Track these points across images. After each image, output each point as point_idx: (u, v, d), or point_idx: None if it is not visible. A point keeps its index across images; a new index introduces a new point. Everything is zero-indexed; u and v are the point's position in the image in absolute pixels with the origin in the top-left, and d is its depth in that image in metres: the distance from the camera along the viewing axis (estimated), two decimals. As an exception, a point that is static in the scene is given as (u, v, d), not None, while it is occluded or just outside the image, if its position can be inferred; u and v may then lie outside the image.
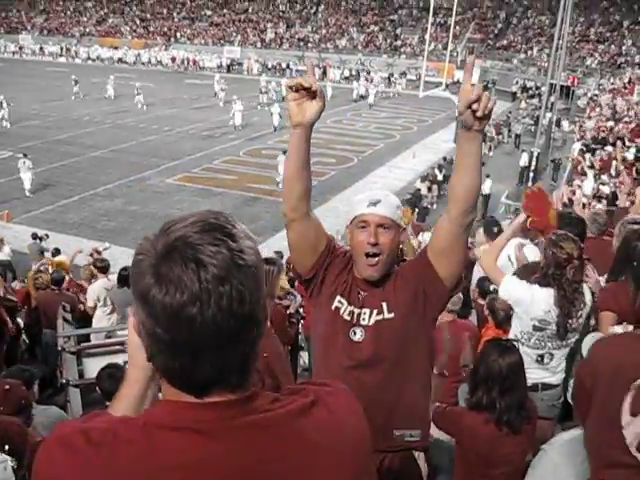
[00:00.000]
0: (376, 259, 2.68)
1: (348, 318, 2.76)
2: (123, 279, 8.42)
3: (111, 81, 40.68)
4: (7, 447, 2.91)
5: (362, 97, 42.50)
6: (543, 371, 4.24)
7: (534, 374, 4.15)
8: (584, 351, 3.69)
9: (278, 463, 1.18)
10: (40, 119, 33.86)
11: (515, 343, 3.76)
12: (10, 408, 3.67)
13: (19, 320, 8.93)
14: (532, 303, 4.08)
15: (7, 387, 3.84)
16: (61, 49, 65.27)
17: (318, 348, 3.02)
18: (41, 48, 66.32)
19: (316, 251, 2.86)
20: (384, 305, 2.73)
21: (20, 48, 67.69)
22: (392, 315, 2.72)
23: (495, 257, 4.47)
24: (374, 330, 2.72)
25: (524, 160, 24.87)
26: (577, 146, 24.80)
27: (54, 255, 14.20)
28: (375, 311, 2.74)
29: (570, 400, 3.66)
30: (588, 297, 4.10)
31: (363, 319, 2.75)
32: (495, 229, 7.80)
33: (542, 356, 4.21)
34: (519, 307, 4.19)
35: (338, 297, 2.81)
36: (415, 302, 2.73)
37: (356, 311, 2.77)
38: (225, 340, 1.13)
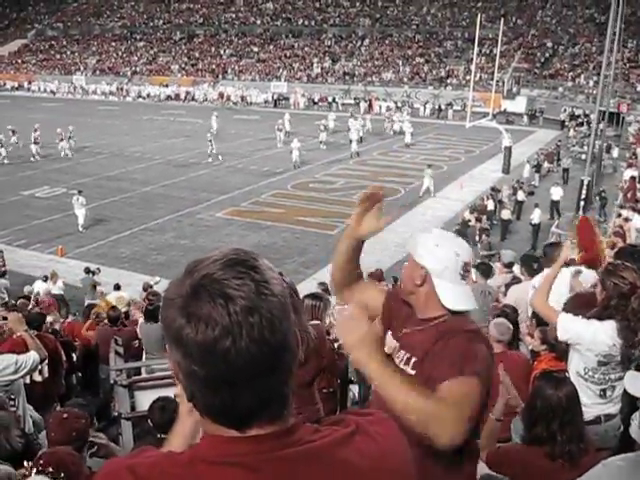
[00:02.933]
0: None
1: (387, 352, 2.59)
2: (149, 314, 8.47)
3: (214, 117, 41.98)
4: (62, 474, 2.95)
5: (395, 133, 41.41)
6: (605, 404, 4.14)
7: (596, 408, 4.06)
8: (628, 389, 3.60)
9: None
10: (93, 156, 34.67)
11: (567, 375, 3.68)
12: (63, 437, 3.72)
13: (73, 355, 9.07)
14: (595, 339, 3.98)
15: (65, 416, 3.91)
16: (116, 88, 67.06)
17: None
18: (95, 89, 68.23)
19: (378, 315, 2.79)
20: (412, 357, 2.55)
21: (74, 88, 69.77)
22: (414, 372, 2.52)
23: (546, 295, 4.38)
24: None
25: (557, 194, 24.25)
26: (629, 173, 24.37)
27: (115, 289, 14.38)
28: (406, 356, 2.58)
29: (632, 434, 3.54)
30: None
31: (398, 356, 2.60)
32: (535, 265, 7.70)
33: (604, 390, 4.12)
34: (581, 345, 4.08)
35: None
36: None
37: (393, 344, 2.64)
38: (260, 370, 1.15)
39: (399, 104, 52.41)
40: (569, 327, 4.10)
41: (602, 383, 4.09)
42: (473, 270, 10.25)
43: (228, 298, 1.12)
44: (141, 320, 9.13)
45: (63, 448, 3.42)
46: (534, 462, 3.38)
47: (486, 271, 9.29)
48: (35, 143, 33.34)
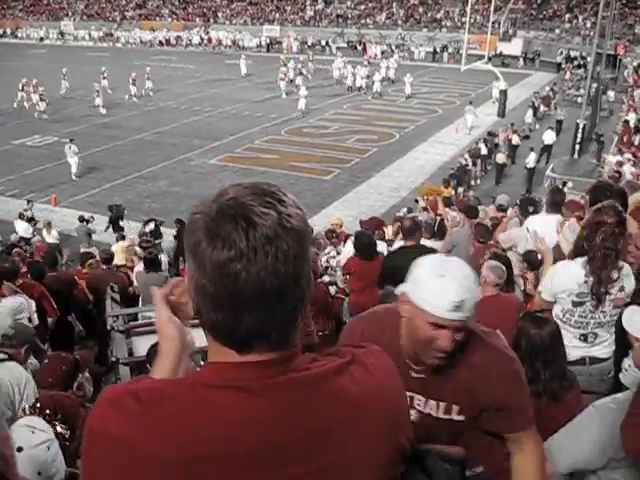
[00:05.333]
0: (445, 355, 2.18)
1: None
2: (150, 263, 8.49)
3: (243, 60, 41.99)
4: (59, 416, 3.01)
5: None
6: (588, 347, 4.18)
7: (579, 350, 4.10)
8: (624, 323, 3.64)
9: (318, 418, 1.24)
10: (84, 104, 34.25)
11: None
12: (47, 378, 3.81)
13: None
14: (569, 277, 4.01)
15: (46, 361, 3.98)
16: (104, 34, 65.99)
17: None
18: (87, 34, 67.09)
19: None
20: (453, 405, 2.32)
21: (62, 34, 68.58)
22: (462, 417, 2.34)
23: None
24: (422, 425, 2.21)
25: (550, 138, 23.91)
26: (632, 117, 24.22)
27: (118, 240, 14.40)
28: (442, 405, 2.33)
29: (622, 379, 3.59)
30: (626, 271, 4.01)
31: (417, 404, 2.34)
32: (531, 208, 7.71)
33: (585, 336, 4.15)
34: (563, 291, 4.11)
35: None
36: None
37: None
38: (268, 298, 1.17)
39: (393, 47, 51.72)
40: (550, 282, 4.17)
41: (581, 327, 4.11)
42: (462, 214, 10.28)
43: (250, 223, 1.15)
44: (138, 268, 9.14)
45: (59, 392, 3.49)
46: None
47: (473, 213, 9.31)
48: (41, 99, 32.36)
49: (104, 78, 36.20)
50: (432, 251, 7.21)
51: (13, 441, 2.16)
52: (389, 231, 12.02)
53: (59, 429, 2.97)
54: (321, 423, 1.24)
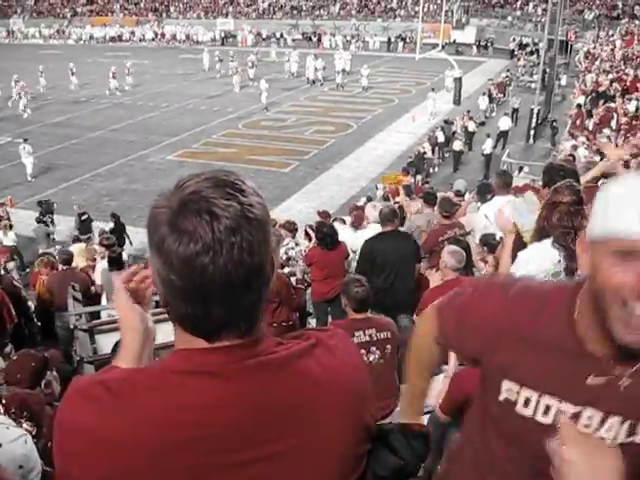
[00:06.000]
0: None
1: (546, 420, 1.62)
2: (114, 261, 8.42)
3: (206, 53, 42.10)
4: (25, 414, 3.00)
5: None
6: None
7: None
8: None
9: (285, 399, 1.27)
10: (36, 102, 33.69)
11: None
12: (14, 376, 3.79)
13: (30, 304, 8.96)
14: (544, 258, 4.10)
15: (15, 357, 3.97)
16: (56, 31, 64.86)
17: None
18: (37, 32, 65.86)
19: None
20: None
21: (12, 32, 67.20)
22: None
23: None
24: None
25: (505, 124, 24.18)
26: (582, 99, 24.62)
27: (74, 241, 14.30)
28: (628, 423, 1.56)
29: None
30: None
31: (587, 423, 1.57)
32: (488, 196, 7.87)
33: None
34: (540, 272, 4.19)
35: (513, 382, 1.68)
36: None
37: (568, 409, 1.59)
38: (235, 288, 1.19)
39: (348, 38, 51.84)
40: (522, 263, 4.25)
41: None
42: (420, 200, 10.43)
43: (214, 216, 1.16)
44: (102, 266, 9.05)
45: (25, 391, 3.48)
46: None
47: (430, 199, 9.43)
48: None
49: (73, 74, 35.95)
50: (410, 236, 7.40)
51: None
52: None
53: (25, 426, 2.96)
54: (289, 403, 1.27)
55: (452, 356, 4.16)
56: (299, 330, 1.50)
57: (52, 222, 16.63)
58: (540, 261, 4.13)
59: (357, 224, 10.17)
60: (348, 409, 1.35)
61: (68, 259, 9.39)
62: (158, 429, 1.19)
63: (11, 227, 15.48)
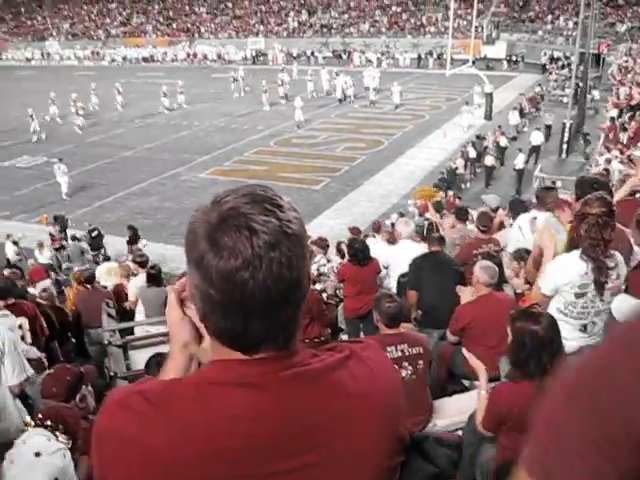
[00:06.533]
0: None
1: None
2: (153, 278, 8.48)
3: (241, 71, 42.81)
4: (60, 427, 3.03)
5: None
6: (585, 338, 4.22)
7: (577, 342, 4.14)
8: (614, 311, 3.69)
9: (320, 411, 1.27)
10: (71, 123, 34.27)
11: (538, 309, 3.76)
12: (49, 390, 3.83)
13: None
14: (571, 270, 4.06)
15: (52, 371, 4.02)
16: (90, 53, 66.11)
17: None
18: (72, 54, 67.18)
19: None
20: None
21: (47, 54, 68.57)
22: None
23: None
24: None
25: (537, 139, 23.98)
26: (615, 113, 24.33)
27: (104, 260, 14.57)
28: None
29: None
30: (619, 259, 4.07)
31: None
32: (521, 209, 7.83)
33: (585, 325, 4.20)
34: (566, 284, 4.15)
35: None
36: None
37: None
38: (274, 303, 1.21)
39: (378, 55, 52.00)
40: (550, 276, 4.21)
41: (582, 318, 4.16)
42: (451, 215, 10.38)
43: (253, 231, 1.17)
44: (139, 283, 9.11)
45: (60, 404, 3.52)
46: (531, 397, 3.45)
47: (462, 215, 9.39)
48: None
49: (119, 94, 37.05)
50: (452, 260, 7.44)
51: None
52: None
53: (61, 439, 2.99)
54: (324, 415, 1.27)
55: (482, 371, 4.11)
56: (333, 343, 1.50)
57: (65, 238, 17.08)
58: (566, 273, 4.09)
59: (391, 240, 10.15)
60: (382, 421, 1.35)
61: (90, 277, 9.49)
62: (194, 439, 1.20)
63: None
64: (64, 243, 16.43)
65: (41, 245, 15.83)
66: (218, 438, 1.20)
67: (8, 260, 15.07)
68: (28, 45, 72.09)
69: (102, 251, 16.10)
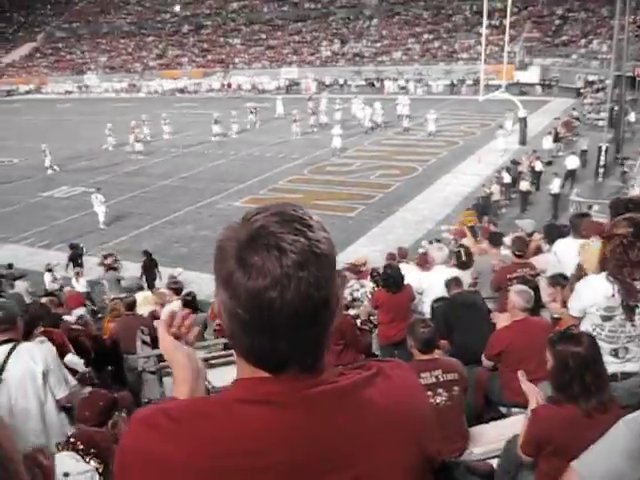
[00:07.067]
0: None
1: None
2: (188, 304, 8.54)
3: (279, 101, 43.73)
4: (92, 451, 3.05)
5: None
6: (617, 364, 4.13)
7: (611, 366, 4.06)
8: None
9: (347, 429, 1.26)
10: (109, 154, 34.97)
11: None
12: (84, 413, 3.86)
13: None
14: (595, 291, 3.98)
15: (87, 395, 4.07)
16: (127, 85, 67.58)
17: None
18: (110, 87, 68.71)
19: None
20: None
21: (86, 87, 70.16)
22: None
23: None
24: None
25: (573, 163, 23.73)
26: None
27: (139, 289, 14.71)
28: None
29: None
30: None
31: None
32: (556, 235, 7.75)
33: (617, 350, 4.10)
34: (591, 306, 4.08)
35: None
36: None
37: None
38: (301, 322, 1.20)
39: (410, 83, 52.28)
40: (577, 298, 4.14)
41: (612, 342, 4.06)
42: (486, 241, 10.30)
43: (282, 251, 1.17)
44: (177, 305, 9.20)
45: (92, 428, 3.55)
46: (574, 421, 3.39)
47: (496, 240, 9.30)
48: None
49: (165, 124, 37.85)
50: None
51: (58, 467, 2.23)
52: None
53: (92, 464, 3.00)
54: (351, 433, 1.26)
55: (533, 394, 3.98)
56: (362, 361, 1.49)
57: (81, 264, 17.62)
58: (591, 294, 4.02)
59: (421, 264, 10.08)
60: (411, 439, 1.33)
61: (131, 305, 9.58)
62: (218, 456, 1.19)
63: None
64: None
65: (77, 274, 16.04)
66: (242, 456, 1.20)
67: (46, 290, 15.29)
68: (67, 78, 73.80)
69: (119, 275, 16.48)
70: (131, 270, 17.24)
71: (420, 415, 1.39)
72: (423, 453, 1.37)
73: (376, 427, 1.28)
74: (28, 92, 74.38)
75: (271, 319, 1.18)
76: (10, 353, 4.51)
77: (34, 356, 4.57)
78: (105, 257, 16.39)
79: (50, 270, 16.29)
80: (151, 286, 15.87)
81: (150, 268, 16.75)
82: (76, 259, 17.69)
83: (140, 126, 35.30)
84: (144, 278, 16.27)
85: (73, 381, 4.91)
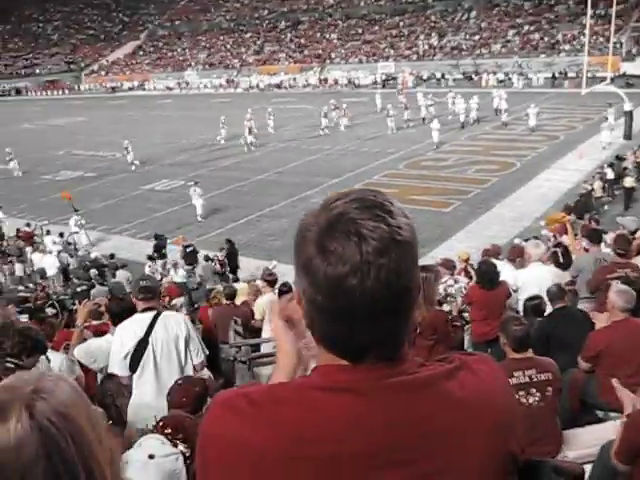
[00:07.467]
0: None
1: None
2: (283, 294, 8.63)
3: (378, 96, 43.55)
4: (180, 435, 3.11)
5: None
6: None
7: None
8: None
9: (427, 420, 1.23)
10: (207, 148, 35.83)
11: None
12: (177, 400, 3.96)
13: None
14: None
15: (180, 382, 4.18)
16: (225, 81, 69.08)
17: None
18: (209, 82, 70.44)
19: None
20: None
21: (186, 83, 72.11)
22: None
23: None
24: None
25: None
26: None
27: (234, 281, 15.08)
28: None
29: None
30: None
31: None
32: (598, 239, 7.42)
33: None
34: None
35: None
36: None
37: None
38: (381, 310, 1.18)
39: (510, 76, 51.15)
40: None
41: None
42: (584, 239, 9.93)
43: (362, 237, 1.16)
44: (262, 301, 9.36)
45: (181, 412, 3.63)
46: None
47: (595, 237, 8.94)
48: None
49: (270, 118, 38.36)
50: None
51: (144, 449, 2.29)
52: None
53: (180, 448, 3.07)
54: (431, 425, 1.23)
55: (629, 400, 3.81)
56: (445, 354, 1.45)
57: (164, 256, 18.44)
58: None
59: (512, 259, 9.82)
60: (492, 434, 1.29)
61: (232, 294, 9.79)
62: (296, 443, 1.19)
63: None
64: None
65: (175, 265, 16.52)
66: (319, 443, 1.19)
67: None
68: (168, 75, 76.08)
69: (195, 265, 16.88)
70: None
71: (504, 411, 1.34)
72: (506, 450, 1.33)
73: (457, 422, 1.25)
74: (131, 89, 77.25)
75: (350, 306, 1.17)
76: (155, 319, 5.06)
77: (179, 322, 5.16)
78: (185, 247, 17.26)
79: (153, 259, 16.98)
80: (234, 272, 16.35)
81: (234, 255, 17.21)
82: (160, 249, 18.33)
83: (251, 119, 35.93)
84: (227, 266, 16.96)
85: (206, 351, 5.40)
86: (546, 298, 7.12)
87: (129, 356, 5.00)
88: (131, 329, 5.08)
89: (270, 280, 9.90)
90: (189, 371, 5.11)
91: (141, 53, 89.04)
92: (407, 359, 1.28)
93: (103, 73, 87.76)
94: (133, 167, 32.41)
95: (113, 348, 5.12)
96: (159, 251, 18.44)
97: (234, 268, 17.07)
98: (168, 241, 19.25)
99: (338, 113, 39.29)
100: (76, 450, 1.20)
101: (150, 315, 5.08)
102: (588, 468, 3.89)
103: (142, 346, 5.00)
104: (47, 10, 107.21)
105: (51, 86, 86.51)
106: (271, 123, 39.03)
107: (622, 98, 30.33)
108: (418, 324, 5.49)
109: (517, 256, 9.59)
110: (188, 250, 17.65)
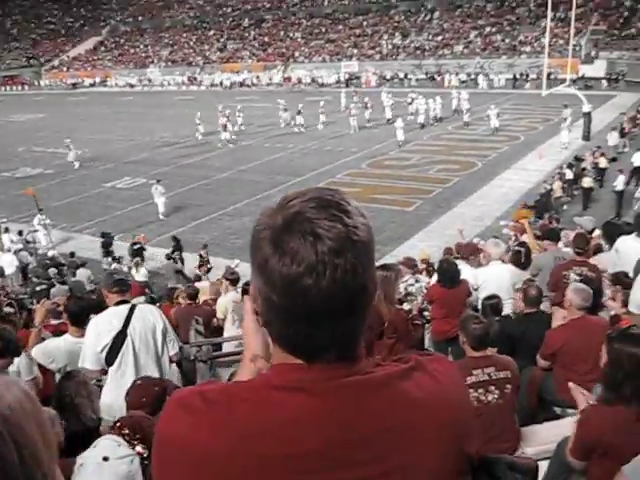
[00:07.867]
0: None
1: None
2: (247, 293, 8.60)
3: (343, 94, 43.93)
4: (138, 436, 3.08)
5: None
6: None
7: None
8: None
9: (381, 420, 1.23)
10: (170, 146, 35.53)
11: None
12: (135, 401, 3.93)
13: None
14: None
15: (138, 382, 4.15)
16: (188, 78, 68.66)
17: None
18: (172, 80, 69.94)
19: None
20: None
21: (148, 80, 71.54)
22: None
23: None
24: None
25: (638, 159, 22.61)
26: None
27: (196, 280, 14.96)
28: None
29: None
30: None
31: None
32: (616, 235, 7.47)
33: None
34: None
35: None
36: None
37: None
38: (337, 310, 1.17)
39: (472, 76, 51.70)
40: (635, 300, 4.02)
41: None
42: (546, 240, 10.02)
43: (317, 237, 1.15)
44: (225, 300, 9.29)
45: (139, 412, 3.59)
46: (625, 423, 3.29)
47: (554, 236, 9.04)
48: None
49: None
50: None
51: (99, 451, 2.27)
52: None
53: (138, 449, 3.03)
54: (384, 426, 1.23)
55: (580, 397, 3.88)
56: (401, 354, 1.45)
57: (111, 254, 18.62)
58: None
59: (465, 257, 9.77)
60: (448, 435, 1.29)
61: (193, 294, 9.71)
62: (250, 442, 1.18)
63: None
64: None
65: (137, 263, 16.35)
66: (273, 442, 1.18)
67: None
68: (130, 72, 75.35)
69: (139, 260, 16.93)
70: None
71: (459, 412, 1.34)
72: (460, 452, 1.33)
73: (411, 422, 1.25)
74: (92, 85, 76.26)
75: (306, 306, 1.16)
76: (132, 310, 5.12)
77: (155, 314, 5.27)
78: (133, 245, 17.68)
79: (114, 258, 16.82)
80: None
81: (179, 252, 18.11)
82: (107, 247, 18.45)
83: (227, 116, 35.89)
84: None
85: (179, 342, 5.55)
86: (504, 297, 7.19)
87: (106, 349, 5.01)
88: (107, 322, 5.10)
89: (232, 279, 9.84)
90: (165, 362, 5.21)
91: (103, 49, 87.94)
92: (362, 359, 1.27)
93: (64, 69, 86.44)
94: (76, 166, 32.02)
95: (86, 342, 5.10)
96: (107, 248, 18.48)
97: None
98: (116, 238, 19.47)
99: (291, 113, 39.32)
100: (18, 454, 1.18)
101: (126, 307, 5.12)
102: (545, 464, 3.93)
103: (120, 338, 5.03)
104: (6, 4, 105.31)
105: (10, 81, 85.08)
106: (240, 120, 38.88)
107: (581, 100, 30.80)
108: (383, 323, 5.51)
109: (470, 254, 9.62)
110: (135, 247, 17.84)
